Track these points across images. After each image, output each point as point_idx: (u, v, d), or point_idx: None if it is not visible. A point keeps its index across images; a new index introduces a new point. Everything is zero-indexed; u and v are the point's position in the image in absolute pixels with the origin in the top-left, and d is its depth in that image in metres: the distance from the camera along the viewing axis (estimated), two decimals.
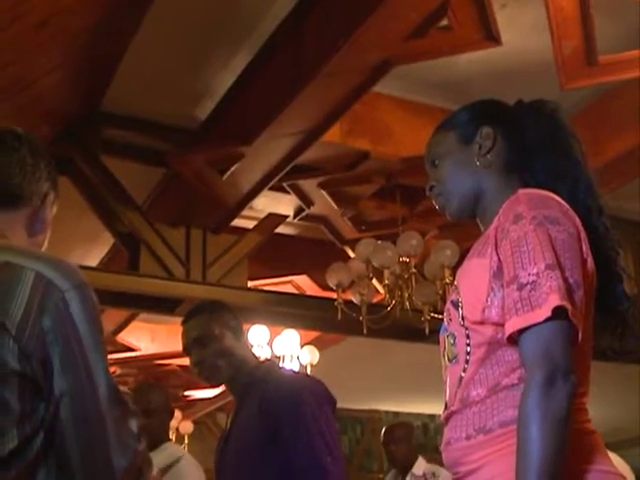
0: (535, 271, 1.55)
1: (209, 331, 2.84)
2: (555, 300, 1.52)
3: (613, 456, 1.86)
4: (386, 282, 5.52)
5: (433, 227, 6.48)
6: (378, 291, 6.07)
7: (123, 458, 1.42)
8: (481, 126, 1.85)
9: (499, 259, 1.65)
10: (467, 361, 1.68)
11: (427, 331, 5.45)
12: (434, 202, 1.93)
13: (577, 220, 1.67)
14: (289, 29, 4.75)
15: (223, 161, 5.55)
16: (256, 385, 2.76)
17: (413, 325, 5.68)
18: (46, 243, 1.71)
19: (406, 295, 5.55)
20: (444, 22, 4.54)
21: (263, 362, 2.96)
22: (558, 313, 1.52)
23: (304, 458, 2.58)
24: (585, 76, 4.83)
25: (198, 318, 2.89)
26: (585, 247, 1.66)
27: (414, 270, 5.48)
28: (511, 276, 1.59)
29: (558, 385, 1.50)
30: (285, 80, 4.82)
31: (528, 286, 1.55)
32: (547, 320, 1.52)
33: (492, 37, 4.62)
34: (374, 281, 5.84)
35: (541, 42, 4.77)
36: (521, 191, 1.72)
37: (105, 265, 7.13)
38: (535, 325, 1.53)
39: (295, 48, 4.72)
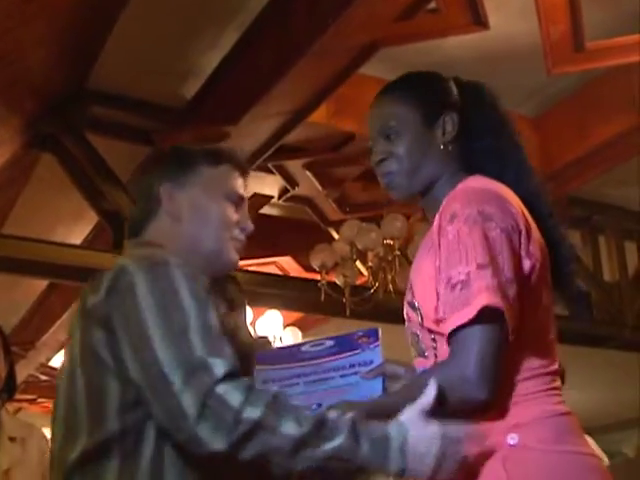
0: (466, 270, 1.55)
1: None
2: (484, 299, 1.52)
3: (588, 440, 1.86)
4: (370, 264, 5.53)
5: (417, 210, 6.48)
6: (362, 273, 6.08)
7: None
8: (445, 110, 1.79)
9: (440, 258, 1.64)
10: (436, 355, 1.68)
11: None
12: (381, 176, 1.88)
13: (517, 210, 1.65)
14: (277, 8, 4.73)
15: (209, 140, 5.53)
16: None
17: (396, 307, 5.67)
18: (188, 226, 1.85)
19: (389, 277, 5.56)
20: (432, 5, 4.54)
21: (256, 340, 2.99)
22: (488, 312, 1.52)
23: None
24: (572, 62, 4.84)
25: None
26: (527, 235, 1.64)
27: (398, 252, 5.49)
28: (443, 277, 1.59)
29: (465, 388, 1.53)
30: (272, 60, 4.81)
31: (459, 285, 1.55)
32: (476, 319, 1.52)
33: (480, 21, 4.62)
34: (358, 263, 5.84)
35: (528, 27, 4.77)
36: (460, 185, 1.71)
37: (89, 243, 7.09)
38: (465, 325, 1.53)
39: (283, 27, 4.70)
